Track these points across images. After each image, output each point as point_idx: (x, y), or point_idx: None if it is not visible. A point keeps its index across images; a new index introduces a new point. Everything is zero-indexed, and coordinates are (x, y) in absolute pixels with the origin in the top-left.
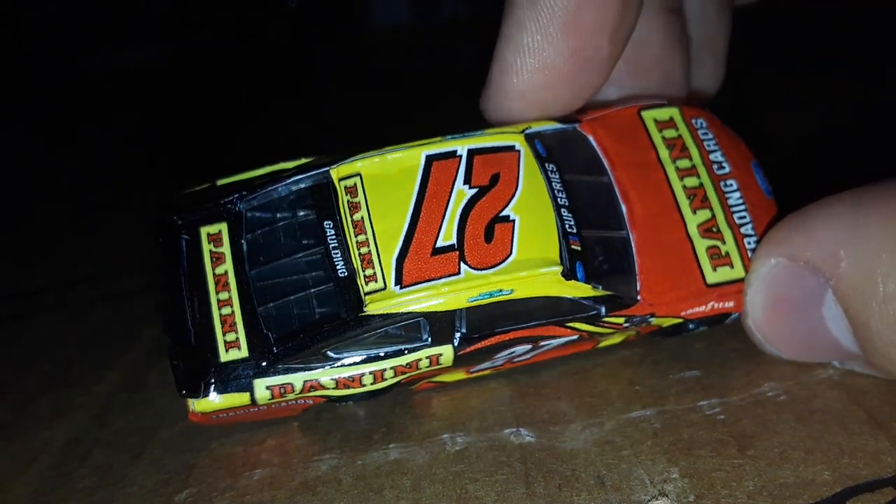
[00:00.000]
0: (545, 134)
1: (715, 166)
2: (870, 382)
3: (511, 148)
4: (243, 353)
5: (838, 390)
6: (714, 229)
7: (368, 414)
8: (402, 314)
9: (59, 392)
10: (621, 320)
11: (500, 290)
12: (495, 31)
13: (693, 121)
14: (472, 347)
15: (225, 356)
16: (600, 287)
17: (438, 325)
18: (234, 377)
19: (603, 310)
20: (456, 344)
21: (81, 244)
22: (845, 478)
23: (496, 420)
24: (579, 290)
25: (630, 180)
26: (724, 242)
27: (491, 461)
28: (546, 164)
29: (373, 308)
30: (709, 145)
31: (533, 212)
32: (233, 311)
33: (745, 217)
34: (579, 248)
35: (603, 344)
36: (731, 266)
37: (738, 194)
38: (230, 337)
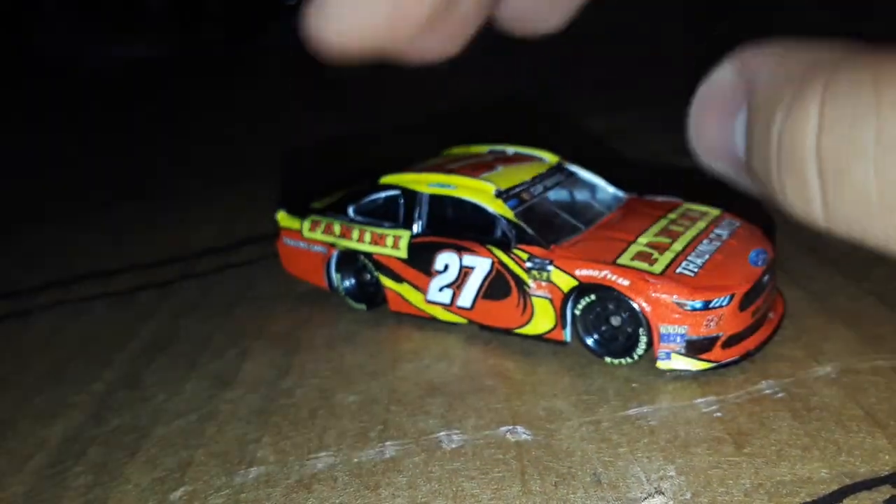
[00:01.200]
0: (580, 173)
1: (712, 234)
2: (868, 380)
3: (542, 158)
4: (321, 206)
5: (836, 388)
6: (661, 248)
7: (365, 411)
8: (392, 185)
9: (56, 390)
10: (525, 256)
11: (448, 185)
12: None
13: (727, 219)
14: (420, 240)
15: (314, 205)
16: (520, 220)
17: (408, 208)
18: (306, 213)
19: (514, 238)
20: (413, 233)
21: (80, 243)
22: (842, 476)
23: (492, 418)
24: (501, 209)
25: (621, 215)
26: (660, 254)
27: (487, 459)
28: (556, 172)
29: (382, 180)
30: (721, 225)
31: (513, 173)
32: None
33: (702, 257)
34: (526, 200)
35: (529, 329)
36: (650, 264)
37: (711, 246)
38: (322, 202)
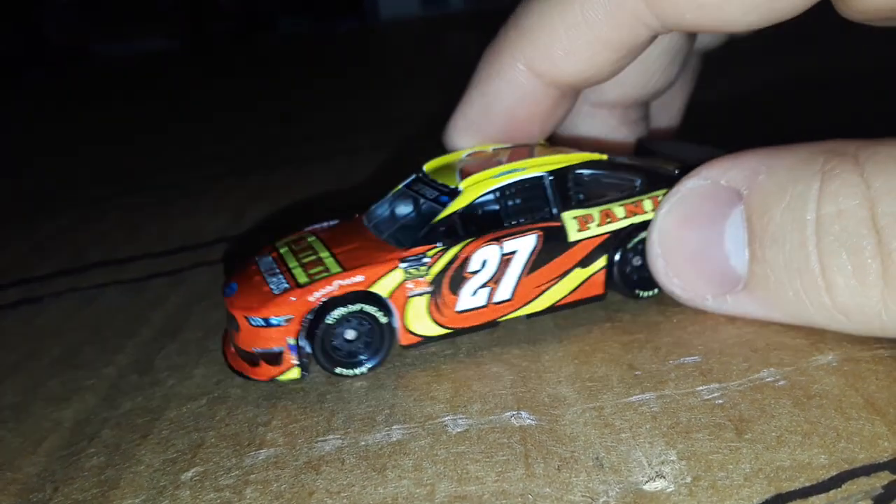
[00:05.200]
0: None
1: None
2: (868, 369)
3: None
4: None
5: (836, 376)
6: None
7: (372, 396)
8: None
9: (69, 374)
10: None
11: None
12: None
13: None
14: None
15: None
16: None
17: None
18: None
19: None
20: None
21: (92, 232)
22: (842, 461)
23: (497, 403)
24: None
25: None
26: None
27: (491, 443)
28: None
29: None
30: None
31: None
32: None
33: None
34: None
35: None
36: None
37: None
38: None
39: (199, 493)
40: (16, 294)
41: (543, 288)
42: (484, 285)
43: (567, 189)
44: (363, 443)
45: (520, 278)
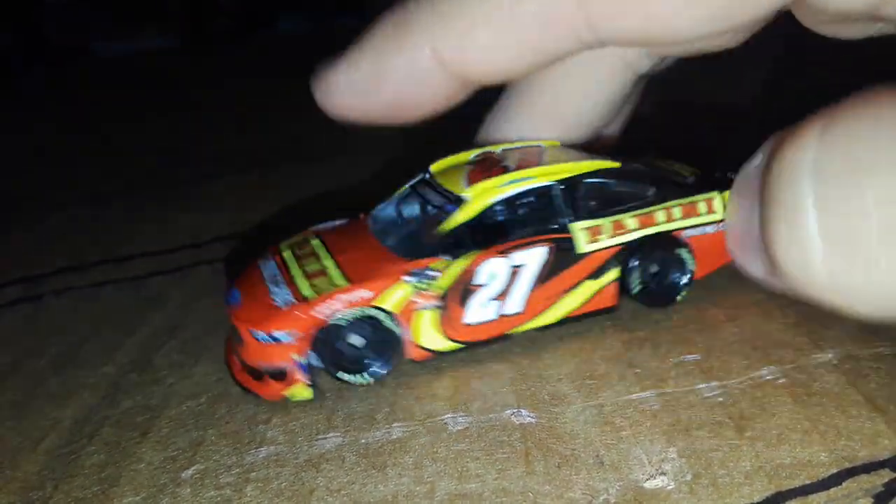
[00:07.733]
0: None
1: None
2: (869, 367)
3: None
4: None
5: (836, 374)
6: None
7: (372, 394)
8: None
9: (69, 372)
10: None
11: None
12: None
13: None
14: None
15: None
16: None
17: None
18: None
19: None
20: None
21: (92, 230)
22: (842, 459)
23: (497, 401)
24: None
25: None
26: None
27: (492, 440)
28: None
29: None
30: None
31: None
32: None
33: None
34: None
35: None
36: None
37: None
38: None
39: (200, 491)
40: (15, 292)
41: (553, 300)
42: (494, 298)
43: (577, 199)
44: (363, 440)
45: (530, 291)
